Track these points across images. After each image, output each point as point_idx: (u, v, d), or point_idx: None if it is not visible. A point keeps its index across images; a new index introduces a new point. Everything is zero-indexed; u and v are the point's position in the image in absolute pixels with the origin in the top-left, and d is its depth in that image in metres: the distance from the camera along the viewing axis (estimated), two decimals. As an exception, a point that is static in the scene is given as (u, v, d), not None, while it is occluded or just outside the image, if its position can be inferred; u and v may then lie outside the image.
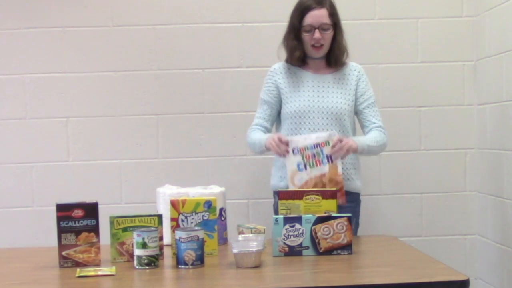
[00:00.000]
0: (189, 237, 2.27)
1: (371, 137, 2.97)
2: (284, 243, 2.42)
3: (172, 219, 2.45)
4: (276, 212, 2.87)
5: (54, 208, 2.38)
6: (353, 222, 2.68)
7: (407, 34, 3.74)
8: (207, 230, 2.43)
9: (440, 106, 3.76)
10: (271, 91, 3.05)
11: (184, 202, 2.47)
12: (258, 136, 3.01)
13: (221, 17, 3.69)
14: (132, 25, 3.68)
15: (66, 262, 2.37)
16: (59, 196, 3.29)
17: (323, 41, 2.96)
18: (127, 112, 3.69)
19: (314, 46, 2.97)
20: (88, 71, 3.68)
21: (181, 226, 2.44)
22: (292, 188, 2.80)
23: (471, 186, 3.78)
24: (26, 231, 3.64)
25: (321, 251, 2.42)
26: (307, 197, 2.63)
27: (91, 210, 2.39)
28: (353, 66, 3.08)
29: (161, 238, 2.39)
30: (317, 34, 2.93)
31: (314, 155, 2.80)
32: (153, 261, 2.29)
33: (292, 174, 2.83)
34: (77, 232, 2.37)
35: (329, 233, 2.42)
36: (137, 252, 2.29)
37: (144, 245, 2.28)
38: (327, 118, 2.97)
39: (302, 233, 2.42)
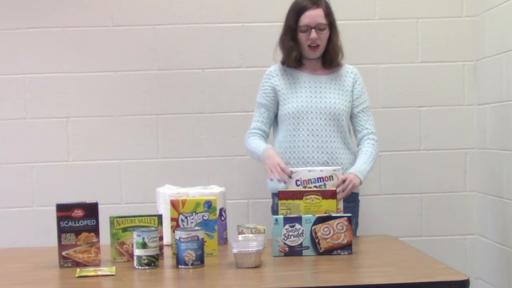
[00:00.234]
0: (189, 237, 2.27)
1: (368, 158, 2.96)
2: (284, 243, 2.42)
3: (172, 219, 2.45)
4: (274, 214, 2.87)
5: (54, 208, 2.38)
6: (353, 222, 2.68)
7: (407, 34, 3.74)
8: (207, 230, 2.43)
9: (440, 106, 3.76)
10: (267, 94, 3.04)
11: (184, 202, 2.47)
12: (255, 144, 2.99)
13: (221, 17, 3.69)
14: (132, 25, 3.68)
15: (66, 262, 2.37)
16: (59, 196, 3.29)
17: (320, 41, 2.96)
18: (127, 112, 3.69)
19: (311, 47, 2.97)
20: (88, 71, 3.68)
21: (181, 226, 2.44)
22: None
23: (471, 186, 3.78)
24: (26, 231, 3.64)
25: (321, 251, 2.42)
26: (307, 197, 2.63)
27: (91, 210, 2.39)
28: (350, 69, 3.08)
29: (161, 238, 2.39)
30: (313, 34, 2.93)
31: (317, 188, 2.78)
32: (153, 261, 2.29)
33: None
34: (77, 232, 2.38)
35: (329, 233, 2.42)
36: (137, 252, 2.29)
37: (144, 245, 2.28)
38: (325, 119, 2.97)
39: (302, 233, 2.42)
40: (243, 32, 3.69)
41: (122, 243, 2.43)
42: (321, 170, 2.78)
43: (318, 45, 2.97)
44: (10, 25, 3.64)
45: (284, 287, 2.09)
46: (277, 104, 3.04)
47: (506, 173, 3.39)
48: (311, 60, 3.03)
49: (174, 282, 2.24)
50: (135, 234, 2.30)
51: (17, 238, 3.60)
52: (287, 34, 3.00)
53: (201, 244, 2.29)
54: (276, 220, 2.43)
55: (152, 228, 2.36)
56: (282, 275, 2.22)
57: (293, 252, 2.42)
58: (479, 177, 3.75)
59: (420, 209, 3.78)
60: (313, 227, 2.42)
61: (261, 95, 3.07)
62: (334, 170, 2.78)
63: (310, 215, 2.44)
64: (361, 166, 2.92)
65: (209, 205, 2.48)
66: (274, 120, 3.10)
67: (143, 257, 2.28)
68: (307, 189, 2.72)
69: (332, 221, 2.43)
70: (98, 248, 2.40)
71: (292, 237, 2.42)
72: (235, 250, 2.26)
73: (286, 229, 2.42)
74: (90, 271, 2.27)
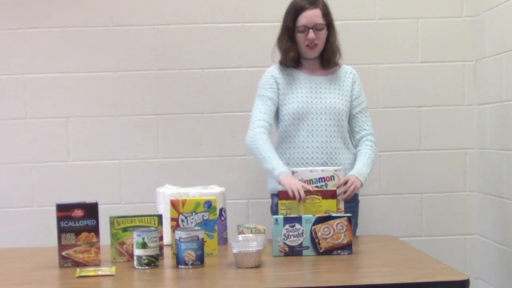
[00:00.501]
0: (189, 237, 2.27)
1: (367, 160, 2.97)
2: (284, 243, 2.42)
3: (172, 219, 2.46)
4: (273, 214, 2.87)
5: (54, 208, 2.39)
6: (353, 222, 2.68)
7: (407, 34, 3.74)
8: (207, 230, 2.43)
9: (440, 106, 3.76)
10: (273, 88, 3.00)
11: (184, 202, 2.47)
12: (269, 154, 2.87)
13: (221, 17, 3.69)
14: (132, 25, 3.68)
15: (66, 262, 2.37)
16: (59, 196, 3.29)
17: (318, 41, 2.96)
18: (127, 112, 3.69)
19: (309, 46, 2.97)
20: (88, 71, 3.68)
21: (181, 226, 2.44)
22: None
23: (471, 186, 3.78)
24: (26, 231, 3.64)
25: (321, 251, 2.42)
26: (307, 197, 2.63)
27: (91, 210, 2.39)
28: (348, 69, 3.08)
29: (161, 238, 2.39)
30: (311, 34, 2.93)
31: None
32: (153, 261, 2.29)
33: None
34: (77, 232, 2.38)
35: (329, 233, 2.42)
36: (137, 252, 2.29)
37: (144, 245, 2.28)
38: (326, 119, 2.97)
39: (302, 233, 2.42)
40: (243, 32, 3.69)
41: (122, 243, 2.43)
42: (322, 170, 2.78)
43: (316, 45, 2.96)
44: (10, 25, 3.64)
45: (284, 287, 2.09)
46: (278, 99, 3.03)
47: (506, 173, 3.39)
48: (309, 60, 3.03)
49: (174, 282, 2.24)
50: (135, 234, 2.30)
51: (17, 238, 3.60)
52: (285, 34, 2.99)
53: (201, 244, 2.29)
54: (276, 220, 2.43)
55: (152, 228, 2.36)
56: (282, 275, 2.22)
57: (293, 252, 2.42)
58: (479, 177, 3.75)
59: (420, 209, 3.78)
60: (313, 227, 2.42)
61: (266, 88, 3.01)
62: (336, 170, 2.78)
63: (310, 215, 2.44)
64: (361, 169, 2.92)
65: (209, 205, 2.48)
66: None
67: (143, 257, 2.28)
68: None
69: (332, 221, 2.43)
70: (98, 248, 2.40)
71: (292, 237, 2.42)
72: (235, 250, 2.26)
73: (286, 229, 2.42)
74: (90, 271, 2.27)
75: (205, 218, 2.47)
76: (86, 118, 3.68)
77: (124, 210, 3.50)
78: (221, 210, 2.71)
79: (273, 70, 3.06)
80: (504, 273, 3.47)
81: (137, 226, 2.41)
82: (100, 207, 2.41)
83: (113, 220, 2.43)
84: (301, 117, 2.97)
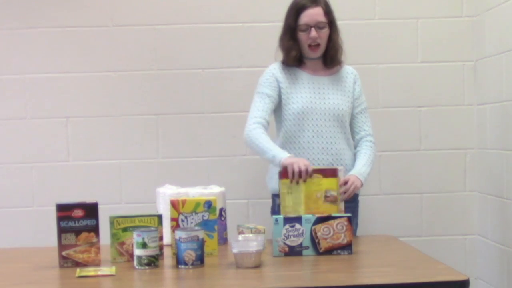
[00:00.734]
0: (189, 237, 2.27)
1: (367, 160, 2.98)
2: (284, 243, 2.42)
3: (172, 219, 2.46)
4: (274, 215, 2.86)
5: (54, 208, 2.39)
6: (353, 222, 2.68)
7: (407, 34, 3.74)
8: (207, 230, 2.43)
9: (440, 106, 3.76)
10: (273, 86, 3.00)
11: (184, 202, 2.47)
12: (268, 144, 2.86)
13: (221, 17, 3.69)
14: (132, 25, 3.68)
15: (66, 262, 2.37)
16: (59, 196, 3.28)
17: (320, 40, 2.95)
18: (127, 112, 3.69)
19: (311, 46, 2.96)
20: (88, 71, 3.68)
21: (181, 226, 2.44)
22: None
23: (471, 186, 3.78)
24: (26, 231, 3.64)
25: (321, 251, 2.42)
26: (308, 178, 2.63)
27: (91, 210, 2.39)
28: (350, 70, 3.08)
29: (161, 238, 2.39)
30: (313, 32, 2.93)
31: None
32: (153, 261, 2.29)
33: None
34: (77, 232, 2.38)
35: (329, 233, 2.42)
36: (137, 252, 2.29)
37: (144, 245, 2.28)
38: (329, 120, 2.97)
39: (302, 233, 2.42)
40: (243, 32, 3.69)
41: (122, 243, 2.43)
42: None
43: (318, 44, 2.96)
44: (10, 25, 3.64)
45: (284, 287, 2.09)
46: (279, 98, 3.02)
47: (506, 173, 3.39)
48: (311, 60, 3.03)
49: (174, 282, 2.24)
50: (135, 234, 2.30)
51: (17, 238, 3.60)
52: (287, 34, 2.99)
53: (201, 244, 2.29)
54: (276, 220, 2.43)
55: (152, 228, 2.36)
56: (282, 275, 2.22)
57: (293, 252, 2.42)
58: (479, 177, 3.75)
59: (420, 209, 3.78)
60: (313, 227, 2.42)
61: (266, 86, 3.00)
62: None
63: (310, 215, 2.44)
64: (361, 169, 2.92)
65: (209, 205, 2.48)
66: (276, 119, 3.08)
67: (143, 257, 2.28)
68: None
69: (332, 221, 2.43)
70: (98, 248, 2.40)
71: (292, 237, 2.42)
72: (235, 250, 2.26)
73: (286, 229, 2.42)
74: (90, 271, 2.27)
75: (205, 218, 2.47)
76: (86, 118, 3.68)
77: (124, 210, 3.50)
78: (221, 210, 2.71)
79: (275, 68, 3.05)
80: (504, 273, 3.47)
81: (137, 226, 2.41)
82: (100, 207, 2.41)
83: (113, 220, 2.43)
84: (305, 117, 2.97)
